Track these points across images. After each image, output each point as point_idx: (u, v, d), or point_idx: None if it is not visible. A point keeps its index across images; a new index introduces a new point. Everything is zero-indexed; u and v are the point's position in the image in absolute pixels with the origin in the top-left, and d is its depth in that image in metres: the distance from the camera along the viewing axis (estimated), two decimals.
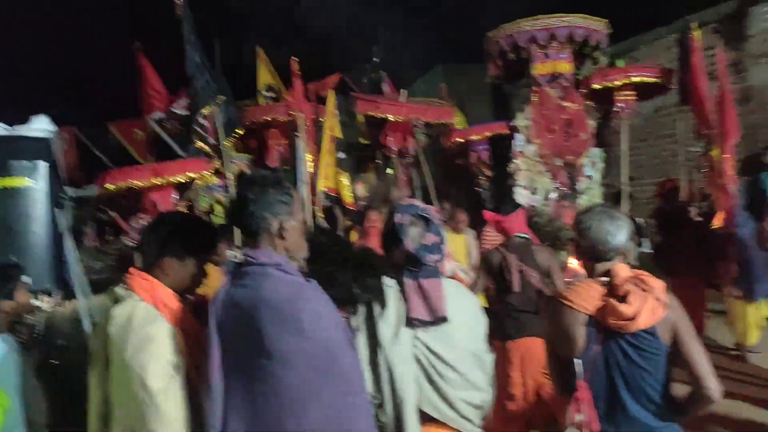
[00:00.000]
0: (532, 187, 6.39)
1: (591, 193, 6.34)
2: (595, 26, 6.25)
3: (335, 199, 6.68)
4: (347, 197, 6.55)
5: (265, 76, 7.84)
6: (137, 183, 4.94)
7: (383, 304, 2.14)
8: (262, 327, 1.65)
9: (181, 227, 2.06)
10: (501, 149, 6.96)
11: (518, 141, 6.52)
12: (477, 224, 6.23)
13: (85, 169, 7.74)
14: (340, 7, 11.55)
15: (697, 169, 8.23)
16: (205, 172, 5.47)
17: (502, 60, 6.61)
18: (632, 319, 2.06)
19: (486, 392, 2.19)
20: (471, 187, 7.50)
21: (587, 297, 2.18)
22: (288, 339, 1.64)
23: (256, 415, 1.66)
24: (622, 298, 2.10)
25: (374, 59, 8.90)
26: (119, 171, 5.19)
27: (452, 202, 6.04)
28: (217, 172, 6.19)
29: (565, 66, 6.33)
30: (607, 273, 2.20)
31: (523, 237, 3.86)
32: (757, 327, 5.54)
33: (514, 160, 6.51)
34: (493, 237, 6.22)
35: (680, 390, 2.19)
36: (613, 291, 2.15)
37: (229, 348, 1.72)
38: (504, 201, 5.88)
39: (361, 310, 2.17)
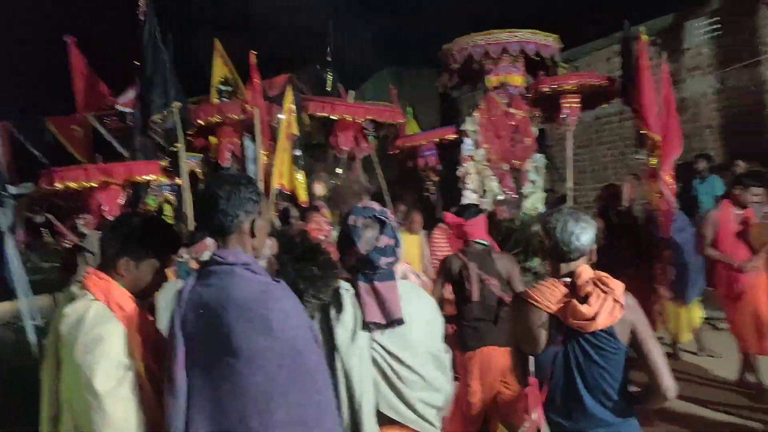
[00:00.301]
0: (480, 190, 6.51)
1: (534, 198, 6.52)
2: (545, 41, 6.42)
3: (290, 198, 6.64)
4: (302, 196, 6.50)
5: (221, 69, 7.65)
6: (87, 184, 4.71)
7: (339, 306, 2.13)
8: (230, 326, 1.63)
9: (139, 228, 2.01)
10: (450, 154, 7.09)
11: (467, 146, 6.65)
12: (426, 227, 6.32)
13: (19, 165, 7.42)
14: (288, 8, 11.46)
15: (636, 175, 8.59)
16: (154, 175, 5.31)
17: (456, 70, 6.72)
18: (592, 319, 2.12)
19: (444, 393, 2.20)
20: (420, 189, 7.59)
21: (551, 296, 2.23)
22: (256, 338, 1.62)
23: (220, 414, 1.64)
24: (584, 299, 2.16)
25: (327, 59, 8.87)
26: (65, 170, 4.96)
27: (407, 204, 6.09)
28: (166, 171, 6.03)
29: (516, 79, 6.50)
30: (571, 273, 2.25)
31: (483, 243, 3.79)
32: (689, 327, 5.81)
33: (463, 164, 6.63)
34: (441, 241, 6.33)
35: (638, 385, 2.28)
36: (575, 291, 2.20)
37: (193, 347, 1.69)
38: (453, 203, 6.01)
39: (317, 314, 2.16)
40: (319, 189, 6.90)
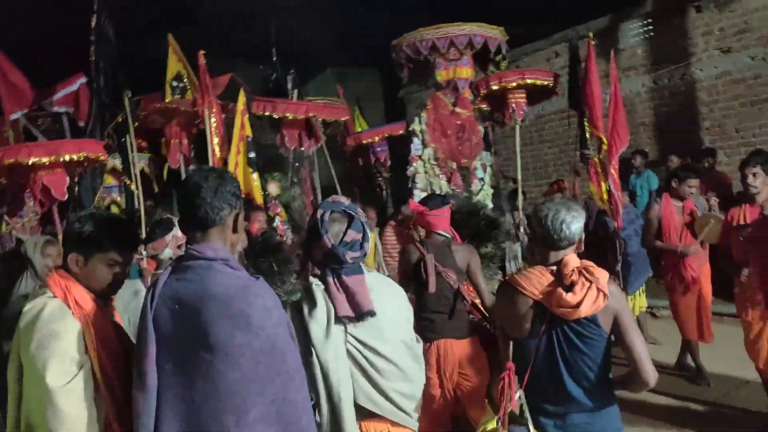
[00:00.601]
0: (429, 189, 6.55)
1: (483, 195, 6.61)
2: (492, 33, 6.53)
3: (246, 200, 6.53)
4: (258, 198, 6.38)
5: (175, 65, 7.40)
6: (28, 161, 4.39)
7: (312, 302, 2.14)
8: (209, 321, 1.60)
9: (90, 224, 1.97)
10: (401, 150, 7.11)
11: (415, 145, 6.67)
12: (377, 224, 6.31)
13: None
14: (232, 6, 11.27)
15: (576, 171, 8.85)
16: (101, 155, 5.02)
17: (406, 65, 6.74)
18: (576, 307, 2.17)
19: (419, 382, 2.25)
20: (370, 186, 7.59)
21: (537, 283, 2.28)
22: (235, 333, 1.60)
23: (193, 412, 1.60)
24: (569, 287, 2.20)
25: (273, 59, 8.77)
26: (6, 149, 4.63)
27: (359, 200, 6.06)
28: (114, 172, 5.81)
29: (466, 71, 6.56)
30: (559, 262, 2.29)
31: (444, 235, 3.78)
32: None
33: (412, 164, 6.66)
34: (393, 239, 6.35)
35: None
36: (561, 279, 2.25)
37: (167, 344, 1.65)
38: (404, 200, 6.03)
39: (290, 311, 2.16)
40: (273, 189, 6.79)
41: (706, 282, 5.11)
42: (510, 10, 8.98)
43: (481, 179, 6.63)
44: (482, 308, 3.72)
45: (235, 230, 1.82)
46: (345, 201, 2.27)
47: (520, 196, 6.73)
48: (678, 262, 5.07)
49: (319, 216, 2.19)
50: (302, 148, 7.33)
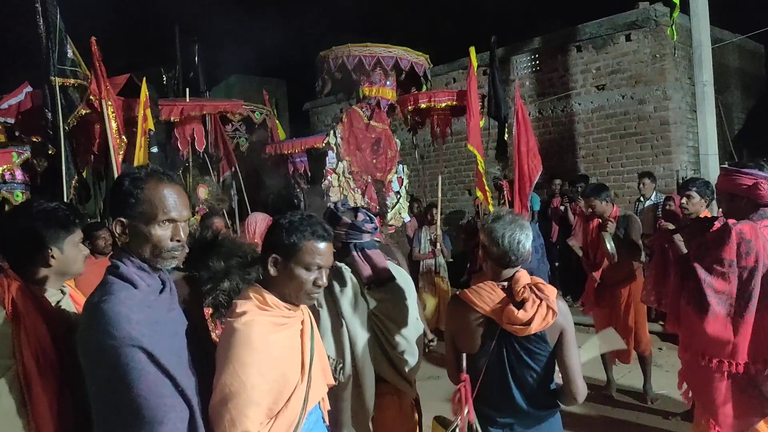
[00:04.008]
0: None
1: (398, 208, 6.89)
2: (417, 59, 6.86)
3: None
4: None
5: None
6: None
7: (341, 281, 2.45)
8: None
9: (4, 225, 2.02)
10: (320, 162, 7.21)
11: (330, 158, 6.80)
12: None
13: None
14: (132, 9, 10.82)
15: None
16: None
17: (330, 78, 6.87)
18: (527, 324, 2.23)
19: (419, 357, 2.62)
20: (287, 196, 7.61)
21: (488, 299, 2.33)
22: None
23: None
24: (520, 304, 2.26)
25: (176, 65, 8.57)
26: None
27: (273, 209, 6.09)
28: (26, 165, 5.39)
29: (388, 92, 6.82)
30: (510, 278, 2.36)
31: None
32: None
33: (327, 177, 6.78)
34: None
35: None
36: (512, 296, 2.30)
37: None
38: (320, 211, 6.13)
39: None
40: (202, 193, 6.65)
41: (622, 304, 5.35)
42: (413, 36, 9.42)
43: (397, 192, 6.92)
44: None
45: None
46: (349, 202, 2.69)
47: (439, 214, 7.09)
48: (594, 284, 5.43)
49: (332, 206, 2.64)
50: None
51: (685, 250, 3.38)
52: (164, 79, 8.65)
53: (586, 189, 5.60)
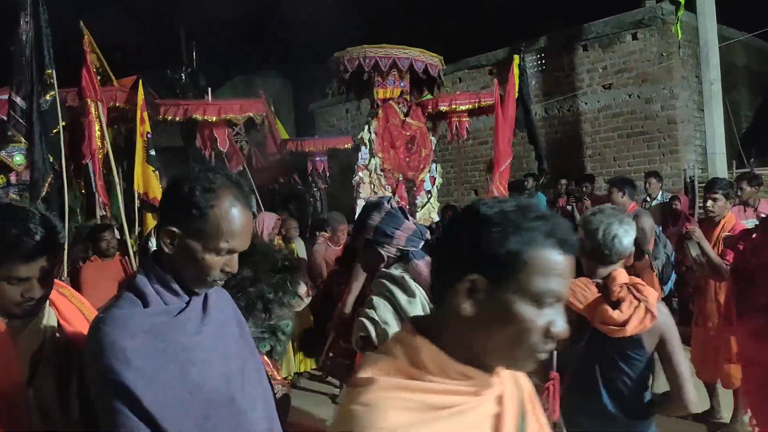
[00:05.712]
0: None
1: (428, 208, 6.79)
2: (432, 60, 6.78)
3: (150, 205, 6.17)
4: (155, 192, 6.02)
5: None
6: None
7: (406, 291, 2.22)
8: None
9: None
10: (339, 162, 7.09)
11: (362, 154, 6.66)
12: (311, 233, 6.22)
13: None
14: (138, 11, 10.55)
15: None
16: None
17: (345, 79, 6.75)
18: (622, 325, 2.09)
19: None
20: (303, 195, 7.46)
21: (581, 296, 2.19)
22: None
23: None
24: (616, 303, 2.12)
25: (183, 65, 8.37)
26: None
27: (285, 211, 5.95)
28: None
29: (401, 94, 6.76)
30: (606, 276, 2.21)
31: None
32: None
33: (358, 173, 6.65)
34: (323, 245, 6.28)
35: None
36: (607, 295, 2.15)
37: None
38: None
39: (383, 302, 2.21)
40: None
41: None
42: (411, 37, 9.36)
43: (429, 191, 6.82)
44: None
45: None
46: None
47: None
48: None
49: (389, 206, 2.39)
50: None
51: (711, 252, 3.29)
52: (183, 78, 8.37)
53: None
